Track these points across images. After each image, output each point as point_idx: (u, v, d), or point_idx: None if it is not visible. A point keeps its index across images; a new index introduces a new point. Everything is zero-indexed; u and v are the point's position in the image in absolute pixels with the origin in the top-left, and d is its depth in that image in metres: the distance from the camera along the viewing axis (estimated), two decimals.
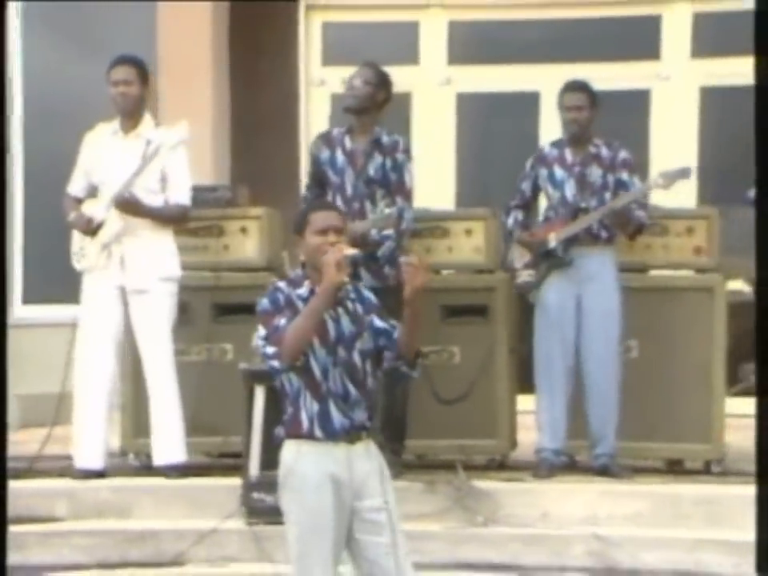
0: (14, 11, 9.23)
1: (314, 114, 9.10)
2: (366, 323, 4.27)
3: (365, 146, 6.20)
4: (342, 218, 4.33)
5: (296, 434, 4.21)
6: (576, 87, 6.34)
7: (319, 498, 4.16)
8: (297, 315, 4.22)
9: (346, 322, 4.26)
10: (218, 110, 8.62)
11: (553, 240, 6.15)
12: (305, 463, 4.19)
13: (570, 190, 6.25)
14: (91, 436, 6.21)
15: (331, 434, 4.18)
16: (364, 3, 9.16)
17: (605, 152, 6.30)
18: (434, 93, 9.21)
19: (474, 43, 9.28)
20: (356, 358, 4.24)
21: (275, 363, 4.27)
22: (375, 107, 6.23)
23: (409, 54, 9.21)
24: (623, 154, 6.30)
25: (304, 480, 4.18)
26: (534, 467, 6.19)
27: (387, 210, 6.01)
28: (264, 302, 4.37)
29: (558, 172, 6.29)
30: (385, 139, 6.22)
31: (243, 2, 8.91)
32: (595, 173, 6.25)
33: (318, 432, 4.18)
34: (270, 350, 4.30)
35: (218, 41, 8.81)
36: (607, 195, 6.21)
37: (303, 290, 4.32)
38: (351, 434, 4.19)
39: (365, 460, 4.20)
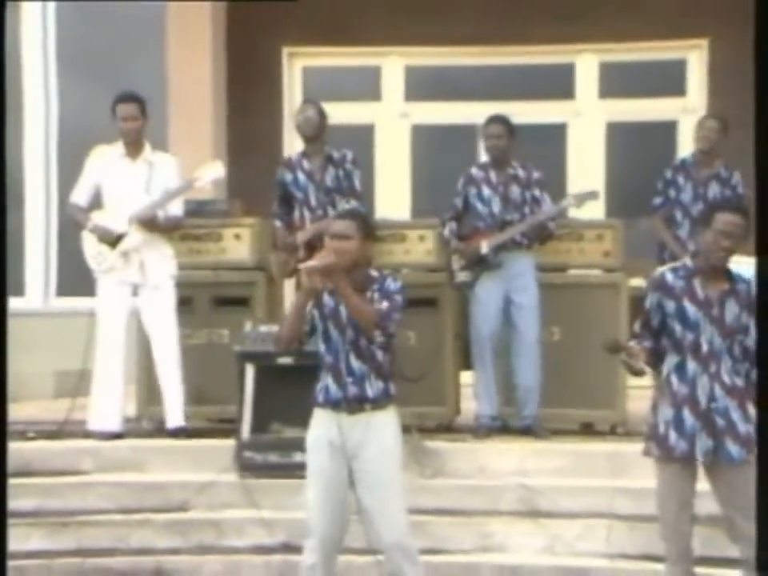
0: (52, 56, 9.15)
1: (295, 141, 9.01)
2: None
3: (320, 163, 6.22)
4: (352, 225, 4.18)
5: (314, 402, 4.22)
6: (496, 119, 6.23)
7: (318, 457, 4.17)
8: (320, 304, 4.17)
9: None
10: (216, 137, 8.57)
11: (485, 247, 6.08)
12: (313, 428, 4.22)
13: (496, 206, 6.16)
14: (111, 404, 6.15)
15: (329, 404, 4.16)
16: (336, 51, 9.08)
17: (521, 173, 6.22)
18: (394, 124, 9.17)
19: (426, 84, 9.24)
20: (362, 338, 4.16)
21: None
22: (324, 132, 6.26)
23: (373, 92, 9.17)
24: (536, 175, 6.23)
25: (310, 442, 4.22)
26: (474, 430, 6.16)
27: (347, 206, 6.00)
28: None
29: (486, 191, 6.19)
30: (335, 155, 6.26)
31: (238, 50, 8.85)
32: (515, 191, 6.18)
33: (321, 401, 4.18)
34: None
35: (217, 81, 8.74)
36: (525, 209, 6.14)
37: None
38: (351, 405, 4.14)
39: (363, 430, 4.14)
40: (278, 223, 6.32)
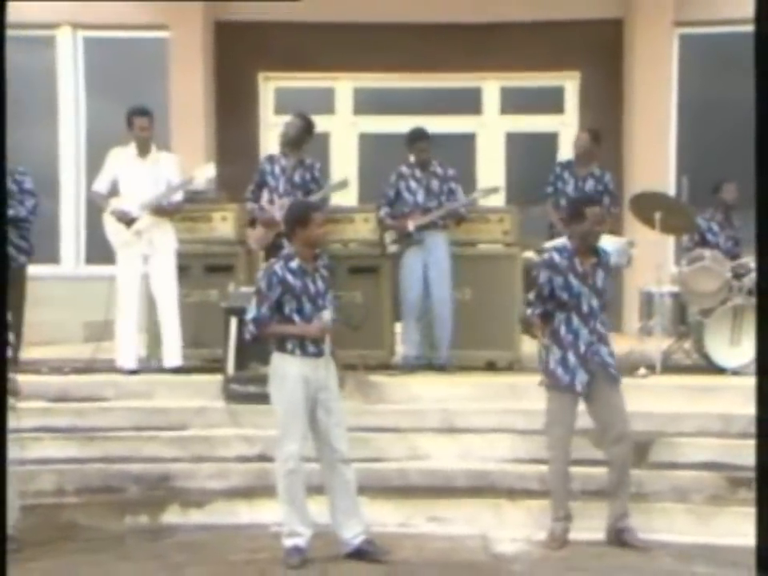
0: (81, 80, 8.88)
1: (269, 146, 8.91)
2: (329, 282, 4.20)
3: (293, 164, 6.12)
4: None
5: None
6: (422, 136, 6.12)
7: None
8: (286, 289, 4.06)
9: (320, 282, 4.13)
10: (207, 142, 8.48)
11: (411, 226, 6.01)
12: None
13: (420, 196, 6.10)
14: (129, 349, 6.06)
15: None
16: (300, 75, 8.94)
17: (439, 170, 6.17)
18: (345, 133, 9.03)
19: (370, 101, 9.11)
20: (327, 305, 4.15)
21: (249, 329, 4.18)
22: (302, 140, 6.14)
23: (328, 107, 9.03)
24: (451, 172, 6.19)
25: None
26: (401, 367, 6.10)
27: (337, 180, 6.09)
28: (261, 283, 4.14)
29: (413, 184, 6.13)
30: (307, 161, 6.16)
31: (225, 74, 8.73)
32: (435, 184, 6.12)
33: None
34: (250, 320, 4.17)
35: (208, 99, 8.62)
36: (442, 198, 6.10)
37: (294, 264, 4.11)
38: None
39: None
40: (252, 204, 6.20)
